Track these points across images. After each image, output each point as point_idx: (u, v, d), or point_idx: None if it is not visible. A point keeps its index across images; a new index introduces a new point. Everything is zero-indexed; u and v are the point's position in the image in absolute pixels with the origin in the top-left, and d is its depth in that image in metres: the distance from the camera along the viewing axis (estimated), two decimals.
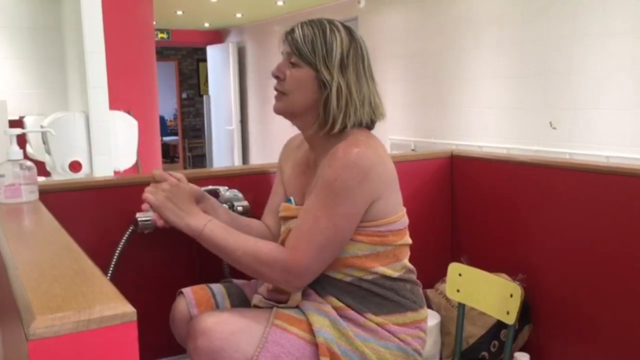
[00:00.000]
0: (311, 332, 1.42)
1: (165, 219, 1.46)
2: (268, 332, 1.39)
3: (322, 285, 1.47)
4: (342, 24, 1.49)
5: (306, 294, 1.50)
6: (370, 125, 1.50)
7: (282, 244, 1.52)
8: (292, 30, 1.46)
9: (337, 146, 1.38)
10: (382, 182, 1.40)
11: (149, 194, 1.47)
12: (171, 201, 1.45)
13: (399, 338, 1.47)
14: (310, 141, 1.54)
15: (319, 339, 1.39)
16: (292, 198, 1.57)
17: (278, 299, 1.53)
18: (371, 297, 1.46)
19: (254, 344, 1.37)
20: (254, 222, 1.70)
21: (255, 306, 1.55)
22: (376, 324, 1.46)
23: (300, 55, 1.43)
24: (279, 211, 1.61)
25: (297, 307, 1.49)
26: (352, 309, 1.46)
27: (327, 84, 1.42)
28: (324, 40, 1.42)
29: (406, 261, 1.52)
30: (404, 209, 1.51)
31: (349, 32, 1.47)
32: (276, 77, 1.49)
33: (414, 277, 1.54)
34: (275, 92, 1.52)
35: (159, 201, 1.46)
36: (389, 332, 1.47)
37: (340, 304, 1.47)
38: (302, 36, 1.43)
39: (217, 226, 1.43)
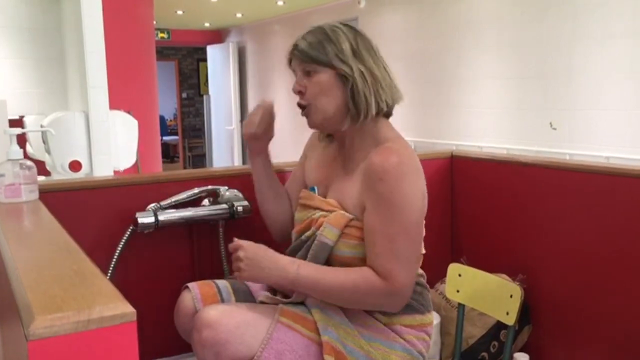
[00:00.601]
0: (316, 330, 1.42)
1: (256, 282, 1.45)
2: (273, 329, 1.39)
3: None
4: (341, 23, 1.50)
5: None
6: (391, 111, 1.52)
7: (299, 232, 1.55)
8: (296, 45, 1.47)
9: (374, 156, 1.39)
10: (422, 183, 1.44)
11: (237, 273, 1.43)
12: (253, 266, 1.41)
13: (404, 339, 1.48)
14: (340, 138, 1.55)
15: (324, 338, 1.40)
16: (316, 187, 1.58)
17: (285, 291, 1.54)
18: None
19: (259, 339, 1.38)
20: (282, 186, 1.74)
21: (262, 302, 1.56)
22: (383, 324, 1.47)
23: (314, 60, 1.44)
24: (296, 188, 1.67)
25: (303, 303, 1.50)
26: None
27: (348, 76, 1.43)
28: (330, 39, 1.44)
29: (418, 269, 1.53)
30: (424, 221, 1.52)
31: (349, 26, 1.49)
32: (298, 92, 1.49)
33: (423, 281, 1.56)
34: (300, 111, 1.52)
35: (245, 275, 1.42)
36: (395, 332, 1.48)
37: None
38: (308, 44, 1.45)
39: (306, 270, 1.41)
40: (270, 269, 1.40)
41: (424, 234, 1.50)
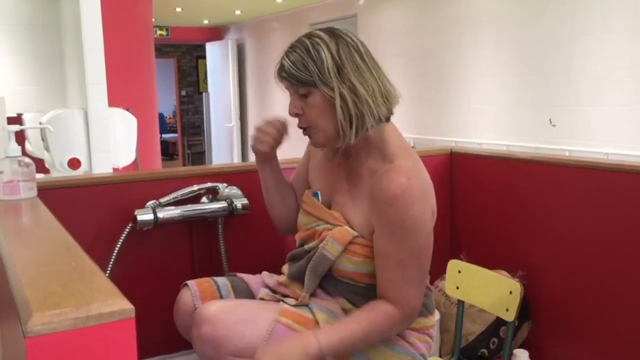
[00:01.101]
0: None
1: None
2: (272, 329, 1.39)
3: (334, 285, 1.47)
4: (322, 29, 1.42)
5: (316, 294, 1.50)
6: (390, 113, 1.46)
7: (302, 240, 1.54)
8: (282, 65, 1.40)
9: (382, 180, 1.36)
10: (432, 202, 1.42)
11: None
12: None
13: (407, 341, 1.48)
14: (344, 150, 1.47)
15: None
16: (319, 193, 1.54)
17: (285, 293, 1.53)
18: None
19: (259, 336, 1.37)
20: (289, 186, 1.71)
21: (262, 299, 1.55)
22: None
23: (303, 83, 1.37)
24: (301, 185, 1.65)
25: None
26: None
27: (332, 99, 1.36)
28: (311, 56, 1.36)
29: None
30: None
31: (332, 33, 1.40)
32: (296, 115, 1.43)
33: (427, 282, 1.54)
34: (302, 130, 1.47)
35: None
36: (398, 335, 1.47)
37: (350, 306, 1.47)
38: (292, 65, 1.37)
39: (327, 335, 1.34)
40: (294, 354, 1.32)
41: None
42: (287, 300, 1.51)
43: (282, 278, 1.57)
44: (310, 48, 1.36)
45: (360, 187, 1.45)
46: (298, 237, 1.58)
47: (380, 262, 1.39)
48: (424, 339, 1.52)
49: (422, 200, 1.37)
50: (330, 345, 1.33)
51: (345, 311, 1.46)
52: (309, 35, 1.40)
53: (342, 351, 1.37)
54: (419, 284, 1.40)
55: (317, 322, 1.43)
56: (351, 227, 1.43)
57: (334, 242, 1.42)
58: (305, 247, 1.52)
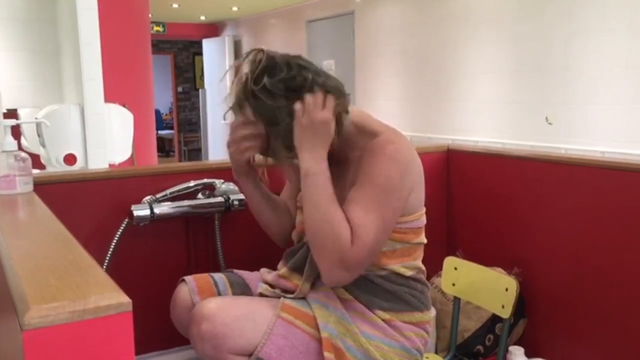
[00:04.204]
0: (316, 327, 1.41)
1: (299, 140, 1.36)
2: (274, 324, 1.38)
3: None
4: (263, 69, 1.46)
5: (316, 284, 1.49)
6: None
7: (302, 234, 1.53)
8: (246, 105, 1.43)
9: (373, 144, 1.39)
10: (416, 176, 1.44)
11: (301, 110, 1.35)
12: (315, 132, 1.35)
13: (404, 335, 1.48)
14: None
15: (324, 334, 1.39)
16: None
17: (286, 286, 1.52)
18: (382, 293, 1.47)
19: (259, 333, 1.37)
20: (278, 198, 1.69)
21: (261, 295, 1.55)
22: (383, 320, 1.47)
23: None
24: (295, 194, 1.62)
25: (303, 298, 1.48)
26: (361, 302, 1.47)
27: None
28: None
29: (419, 262, 1.53)
30: (424, 208, 1.52)
31: (267, 68, 1.45)
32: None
33: (424, 278, 1.55)
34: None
35: (305, 120, 1.34)
36: (395, 328, 1.47)
37: (349, 296, 1.47)
38: (259, 104, 1.41)
39: (329, 181, 1.36)
40: (322, 148, 1.36)
41: (419, 222, 1.50)
42: (286, 295, 1.50)
43: (282, 270, 1.56)
44: (259, 84, 1.43)
45: (348, 168, 1.46)
46: (297, 232, 1.58)
47: (345, 207, 1.36)
48: (420, 333, 1.52)
49: (401, 166, 1.39)
50: (324, 183, 1.34)
51: (345, 301, 1.46)
52: (259, 92, 1.42)
53: (316, 195, 1.35)
54: (373, 245, 1.35)
55: (315, 318, 1.42)
56: None
57: None
58: (304, 239, 1.52)
